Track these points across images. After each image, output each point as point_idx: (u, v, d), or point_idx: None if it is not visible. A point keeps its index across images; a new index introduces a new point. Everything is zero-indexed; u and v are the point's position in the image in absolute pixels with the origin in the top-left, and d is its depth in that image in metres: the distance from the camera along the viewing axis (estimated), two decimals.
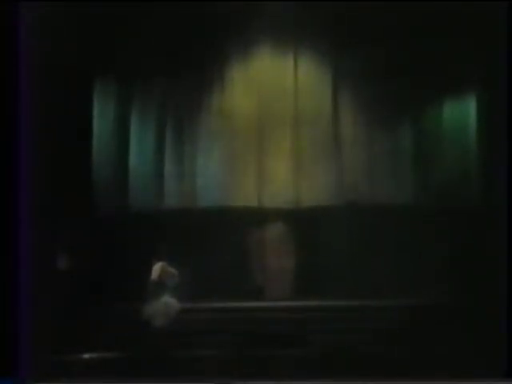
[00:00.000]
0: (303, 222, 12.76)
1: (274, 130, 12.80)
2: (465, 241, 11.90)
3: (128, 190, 12.75)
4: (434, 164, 12.63)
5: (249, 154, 12.77)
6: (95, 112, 12.58)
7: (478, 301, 10.23)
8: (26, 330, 7.16)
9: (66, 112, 11.19)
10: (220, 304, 11.42)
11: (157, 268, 10.05)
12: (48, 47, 9.98)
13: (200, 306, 11.06)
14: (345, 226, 12.43)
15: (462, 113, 12.63)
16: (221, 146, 12.82)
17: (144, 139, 12.96)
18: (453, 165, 12.51)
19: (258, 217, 12.78)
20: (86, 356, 9.17)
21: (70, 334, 9.82)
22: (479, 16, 10.91)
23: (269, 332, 9.64)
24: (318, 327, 9.97)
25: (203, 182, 12.73)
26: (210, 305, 11.36)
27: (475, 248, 11.59)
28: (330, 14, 12.39)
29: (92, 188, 12.36)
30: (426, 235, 12.06)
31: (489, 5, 9.69)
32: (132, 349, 9.28)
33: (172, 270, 10.07)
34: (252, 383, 8.00)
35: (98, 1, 11.11)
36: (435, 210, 12.23)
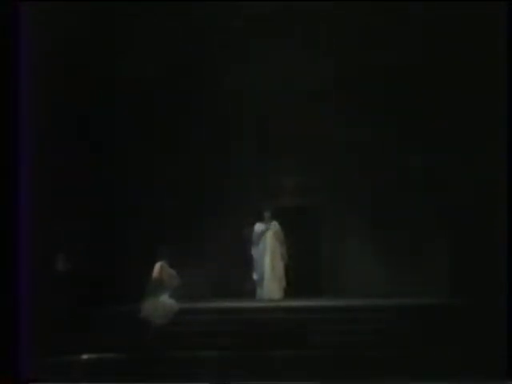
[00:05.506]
0: None
1: None
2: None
3: (127, 189, 12.79)
4: None
5: None
6: (96, 111, 12.54)
7: (478, 301, 10.22)
8: (26, 329, 7.16)
9: (66, 112, 11.19)
10: (219, 304, 11.42)
11: (157, 268, 10.03)
12: (48, 47, 9.99)
13: (199, 306, 11.06)
14: None
15: None
16: None
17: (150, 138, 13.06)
18: None
19: None
20: (86, 356, 9.19)
21: (70, 334, 9.81)
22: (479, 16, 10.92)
23: (268, 332, 9.63)
24: (318, 327, 9.95)
25: None
26: (209, 305, 11.35)
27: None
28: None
29: (92, 188, 12.34)
30: None
31: (489, 5, 9.73)
32: (131, 349, 9.29)
33: (172, 270, 10.05)
34: (252, 383, 8.01)
35: (98, 0, 11.14)
36: None
